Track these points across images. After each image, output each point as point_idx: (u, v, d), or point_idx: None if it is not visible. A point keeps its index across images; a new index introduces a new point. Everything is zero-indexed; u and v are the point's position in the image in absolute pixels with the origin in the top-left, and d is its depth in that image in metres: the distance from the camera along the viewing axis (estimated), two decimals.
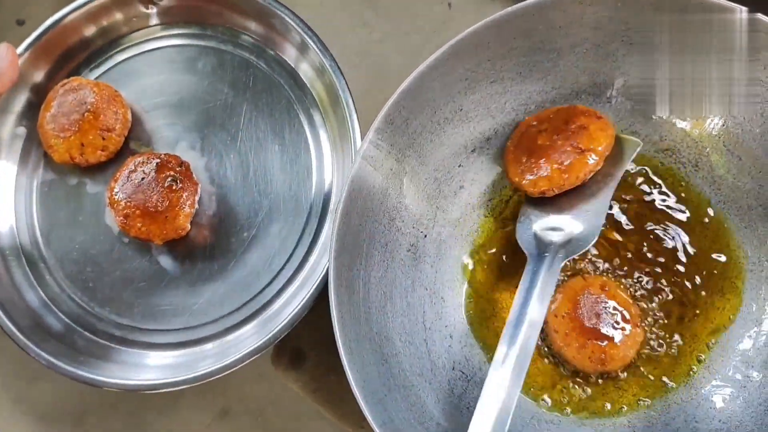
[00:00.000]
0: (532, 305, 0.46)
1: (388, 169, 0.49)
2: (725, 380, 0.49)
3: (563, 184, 0.48)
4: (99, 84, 0.58)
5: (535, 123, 0.51)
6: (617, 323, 0.49)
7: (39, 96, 0.60)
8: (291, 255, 0.56)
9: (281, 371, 0.57)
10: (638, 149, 0.49)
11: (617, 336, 0.49)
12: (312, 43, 0.56)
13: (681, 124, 0.51)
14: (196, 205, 0.56)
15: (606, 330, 0.49)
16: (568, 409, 0.50)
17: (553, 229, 0.49)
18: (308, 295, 0.52)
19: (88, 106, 0.56)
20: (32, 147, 0.60)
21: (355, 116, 0.54)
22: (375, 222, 0.50)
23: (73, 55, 0.61)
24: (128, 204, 0.54)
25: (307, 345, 0.57)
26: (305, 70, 0.59)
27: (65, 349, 0.55)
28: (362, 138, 0.49)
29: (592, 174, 0.48)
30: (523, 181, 0.50)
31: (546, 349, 0.51)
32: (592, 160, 0.47)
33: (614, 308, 0.49)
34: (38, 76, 0.61)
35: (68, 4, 0.63)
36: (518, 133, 0.51)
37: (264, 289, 0.56)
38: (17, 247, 0.58)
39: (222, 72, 0.59)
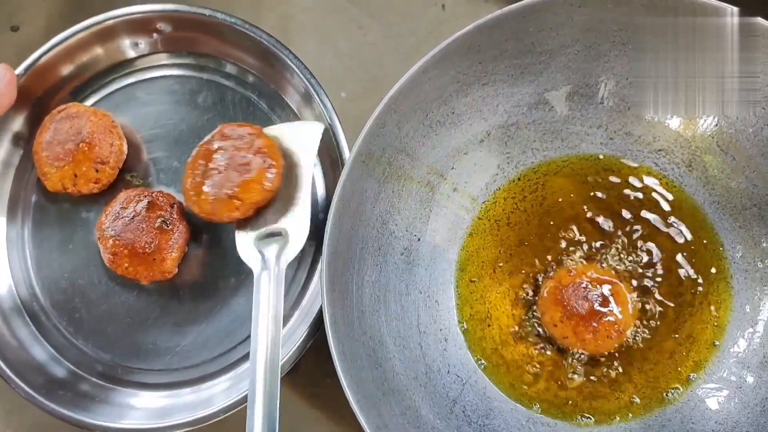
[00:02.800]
0: (272, 312, 0.47)
1: (381, 172, 0.49)
2: (720, 382, 0.49)
3: (220, 221, 0.50)
4: (97, 112, 0.56)
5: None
6: (604, 293, 0.49)
7: (34, 118, 0.58)
8: None
9: None
10: (318, 137, 0.50)
11: (612, 302, 0.49)
12: (315, 93, 0.55)
13: (674, 124, 0.51)
14: (186, 248, 0.55)
15: (601, 305, 0.49)
16: (566, 409, 0.50)
17: (271, 235, 0.50)
18: (294, 349, 0.51)
19: (84, 136, 0.54)
20: (28, 168, 0.58)
21: None
22: (368, 226, 0.50)
23: (74, 77, 0.60)
24: (117, 242, 0.53)
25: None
26: (307, 117, 0.57)
27: (47, 383, 0.54)
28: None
29: (243, 215, 0.50)
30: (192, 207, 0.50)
31: (550, 346, 0.51)
32: (237, 211, 0.49)
33: (592, 283, 0.50)
34: (36, 97, 0.59)
35: (62, 10, 0.63)
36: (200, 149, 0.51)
37: (247, 338, 0.54)
38: (9, 284, 0.57)
39: (223, 108, 0.58)
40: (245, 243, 0.50)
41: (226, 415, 0.51)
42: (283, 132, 0.52)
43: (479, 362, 0.52)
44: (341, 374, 0.44)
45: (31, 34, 0.66)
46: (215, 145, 0.50)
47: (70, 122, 0.55)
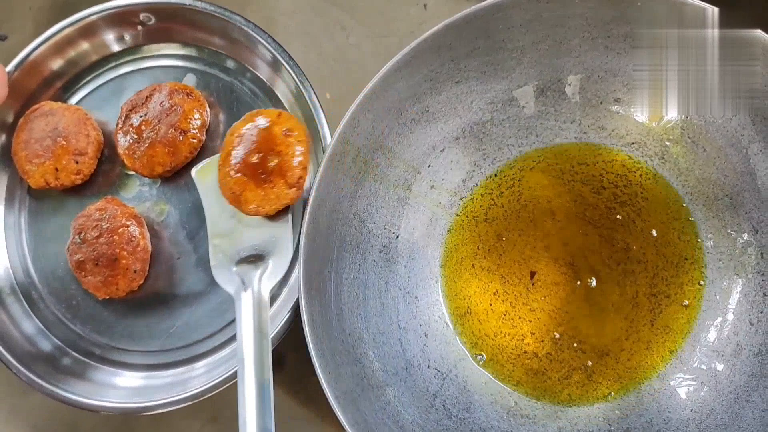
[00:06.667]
0: (255, 335, 0.46)
1: (357, 171, 0.50)
2: (694, 371, 0.49)
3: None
4: (70, 107, 0.58)
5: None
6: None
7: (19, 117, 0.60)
8: None
9: None
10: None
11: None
12: (288, 68, 0.55)
13: (645, 118, 0.51)
14: (147, 270, 0.56)
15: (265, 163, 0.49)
16: (545, 401, 0.50)
17: (249, 260, 0.49)
18: (280, 324, 0.52)
19: (60, 131, 0.56)
20: None
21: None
22: (345, 224, 0.50)
23: (64, 72, 0.62)
24: (80, 260, 0.55)
25: (287, 347, 0.57)
26: (285, 93, 0.58)
27: (49, 368, 0.56)
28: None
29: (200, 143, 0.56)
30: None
31: (525, 352, 0.52)
32: (195, 139, 0.56)
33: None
34: (29, 92, 0.61)
35: (50, 19, 0.64)
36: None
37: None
38: (7, 267, 0.59)
39: (207, 95, 0.59)
40: (221, 266, 0.50)
41: (225, 386, 0.52)
42: None
43: (459, 357, 0.52)
44: (319, 371, 0.45)
45: (20, 43, 0.67)
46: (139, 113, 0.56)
47: (44, 120, 0.57)
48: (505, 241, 0.53)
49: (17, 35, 0.68)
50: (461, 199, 0.54)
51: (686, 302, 0.50)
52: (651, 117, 0.51)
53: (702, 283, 0.50)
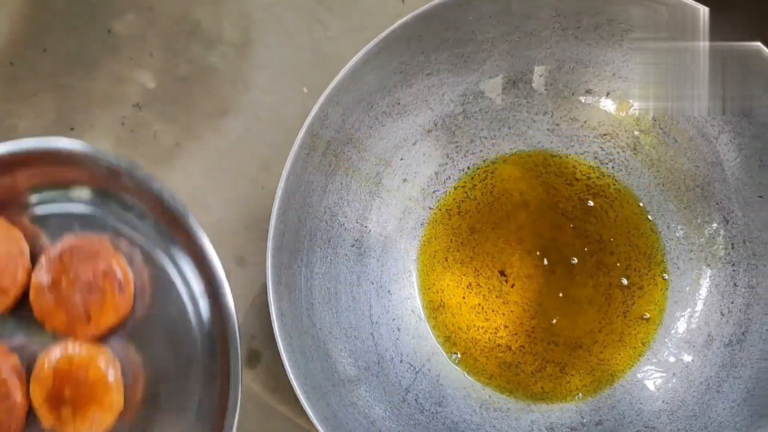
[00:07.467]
0: None
1: (327, 164, 0.49)
2: (664, 363, 0.49)
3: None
4: (10, 232, 0.50)
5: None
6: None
7: None
8: None
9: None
10: None
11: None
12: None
13: (617, 109, 0.51)
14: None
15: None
16: (518, 394, 0.50)
17: None
18: None
19: None
20: None
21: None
22: (315, 218, 0.50)
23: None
24: None
25: (262, 344, 0.57)
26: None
27: None
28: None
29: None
30: None
31: (498, 345, 0.51)
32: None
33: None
34: None
35: (26, 15, 0.63)
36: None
37: None
38: None
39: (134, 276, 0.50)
40: None
41: None
42: None
43: (432, 351, 0.52)
44: (288, 366, 0.45)
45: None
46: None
47: None
48: (479, 233, 0.53)
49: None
50: (434, 192, 0.54)
51: (659, 292, 0.50)
52: (624, 108, 0.51)
53: (674, 274, 0.50)
